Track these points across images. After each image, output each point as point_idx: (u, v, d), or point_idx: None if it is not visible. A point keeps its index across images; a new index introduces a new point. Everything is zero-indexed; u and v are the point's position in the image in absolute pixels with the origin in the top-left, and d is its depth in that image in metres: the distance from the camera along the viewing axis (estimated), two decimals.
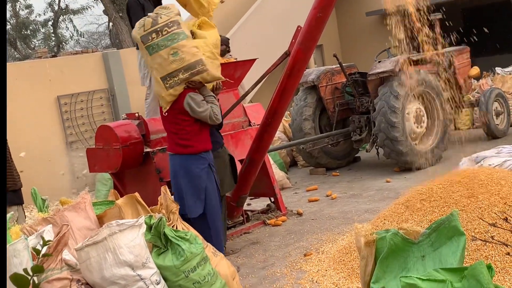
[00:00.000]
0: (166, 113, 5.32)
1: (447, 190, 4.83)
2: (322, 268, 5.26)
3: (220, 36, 9.53)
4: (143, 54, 5.36)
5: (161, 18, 5.19)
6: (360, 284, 3.29)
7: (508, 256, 3.92)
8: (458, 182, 4.86)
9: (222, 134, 6.06)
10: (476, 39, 10.20)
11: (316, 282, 4.97)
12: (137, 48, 7.04)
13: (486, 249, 4.03)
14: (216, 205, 5.51)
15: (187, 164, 5.39)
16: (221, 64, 6.89)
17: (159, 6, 5.48)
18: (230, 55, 8.89)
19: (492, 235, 3.81)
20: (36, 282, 1.61)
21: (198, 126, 5.39)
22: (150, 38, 5.16)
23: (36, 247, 1.70)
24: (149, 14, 5.38)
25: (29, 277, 1.58)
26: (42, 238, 1.74)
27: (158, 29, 5.16)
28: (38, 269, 1.62)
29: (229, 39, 9.42)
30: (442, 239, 2.97)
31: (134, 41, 5.44)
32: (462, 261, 2.95)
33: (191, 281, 4.11)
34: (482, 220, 4.02)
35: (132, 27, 7.04)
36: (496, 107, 10.49)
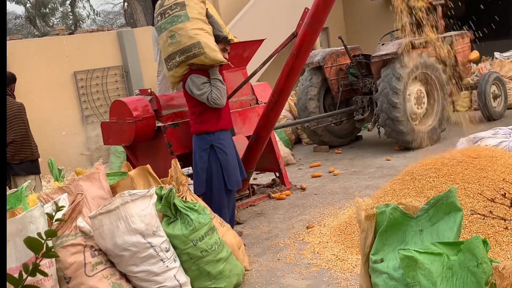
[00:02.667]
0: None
1: (446, 167, 4.80)
2: (323, 240, 5.26)
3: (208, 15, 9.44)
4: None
5: (168, 0, 5.07)
6: (360, 256, 3.28)
7: (506, 230, 3.90)
8: (457, 160, 4.82)
9: (230, 111, 6.02)
10: (477, 24, 10.07)
11: (318, 253, 4.97)
12: (153, 25, 7.01)
13: (484, 223, 4.01)
14: (218, 185, 5.36)
15: (194, 144, 5.41)
16: (231, 44, 6.85)
17: None
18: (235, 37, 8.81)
19: (491, 210, 3.79)
20: (49, 245, 1.60)
21: (201, 108, 5.27)
22: (157, 20, 5.10)
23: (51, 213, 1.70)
24: None
25: (43, 241, 1.57)
26: (56, 204, 1.73)
27: (162, 12, 5.07)
28: (51, 233, 1.61)
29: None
30: (440, 214, 2.95)
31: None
32: (458, 236, 2.94)
33: (199, 249, 4.12)
34: (481, 195, 3.99)
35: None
36: (494, 90, 10.41)
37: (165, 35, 5.02)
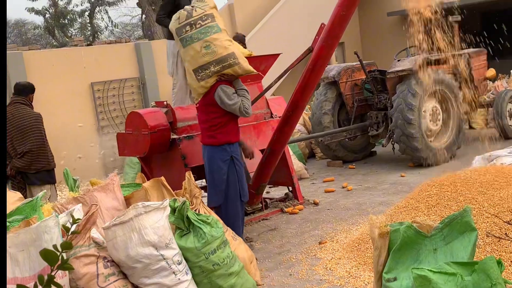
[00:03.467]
0: (197, 104, 5.25)
1: (461, 186, 4.76)
2: (335, 256, 5.23)
3: (237, 33, 9.59)
4: (178, 46, 5.28)
5: (195, 11, 5.11)
6: (373, 274, 3.26)
7: None
8: (471, 179, 4.78)
9: (245, 124, 6.05)
10: (493, 42, 10.03)
11: (330, 269, 4.94)
12: (168, 38, 7.02)
13: (500, 245, 3.96)
14: (235, 196, 5.41)
15: (211, 155, 5.35)
16: (247, 57, 6.89)
17: None
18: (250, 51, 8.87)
19: (506, 232, 3.75)
20: (65, 258, 1.61)
21: (226, 118, 5.30)
22: (184, 31, 5.08)
23: (66, 225, 1.71)
24: (185, 7, 5.32)
25: (58, 253, 1.58)
26: (72, 216, 1.74)
27: (192, 22, 5.08)
28: (67, 246, 1.62)
29: (244, 36, 9.51)
30: (454, 234, 2.93)
31: (171, 31, 5.37)
32: (473, 256, 2.91)
33: (211, 262, 4.11)
34: (497, 217, 3.96)
35: (159, 14, 7.04)
36: (510, 108, 10.33)
37: (199, 45, 5.03)
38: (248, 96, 5.31)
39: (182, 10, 5.24)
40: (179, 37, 5.11)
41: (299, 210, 7.10)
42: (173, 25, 5.21)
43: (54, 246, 1.59)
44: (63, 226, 1.66)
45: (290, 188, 7.47)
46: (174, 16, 5.26)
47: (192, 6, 5.24)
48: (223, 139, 5.31)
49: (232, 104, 5.19)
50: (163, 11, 7.03)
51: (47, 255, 1.55)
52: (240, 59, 5.18)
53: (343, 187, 8.21)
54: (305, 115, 11.09)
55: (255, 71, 5.38)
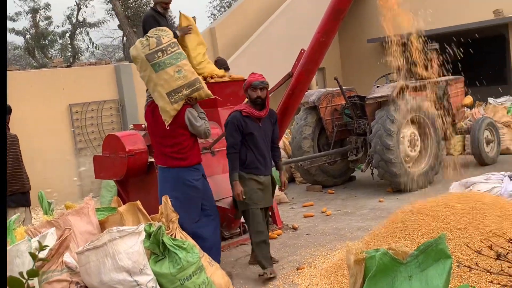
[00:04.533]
0: (168, 127, 5.29)
1: (437, 212, 4.78)
2: (313, 282, 5.21)
3: (219, 57, 9.75)
4: (145, 71, 5.35)
5: (163, 38, 5.33)
6: None
7: (491, 283, 3.87)
8: (448, 206, 4.81)
9: (223, 148, 6.06)
10: (471, 70, 10.19)
11: None
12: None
13: (470, 275, 3.98)
14: (214, 208, 5.64)
15: (184, 176, 5.38)
16: (228, 81, 6.92)
17: (155, 28, 5.59)
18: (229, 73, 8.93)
19: (476, 261, 3.77)
20: (31, 286, 1.58)
21: (193, 140, 5.49)
22: (156, 56, 5.24)
23: (34, 252, 1.68)
24: (149, 34, 5.43)
25: (24, 281, 1.55)
26: (40, 243, 1.71)
27: (163, 49, 5.28)
28: (33, 273, 1.58)
29: (226, 60, 9.72)
30: (429, 261, 2.94)
31: (132, 57, 5.47)
32: (448, 283, 2.91)
33: None
34: (468, 246, 3.98)
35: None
36: (487, 135, 10.48)
37: (172, 70, 5.25)
38: (207, 119, 5.58)
39: (148, 38, 5.37)
40: (150, 63, 5.25)
41: (278, 235, 7.08)
42: (142, 51, 5.30)
43: (20, 274, 1.56)
44: (30, 253, 1.63)
45: (269, 213, 7.44)
46: (141, 43, 5.34)
47: (156, 34, 5.39)
48: (194, 160, 5.48)
49: (199, 126, 5.40)
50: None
51: (13, 283, 1.52)
52: (203, 83, 5.48)
53: (322, 212, 8.21)
54: (285, 139, 11.12)
55: (213, 95, 5.60)
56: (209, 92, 5.53)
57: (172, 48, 5.31)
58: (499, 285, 3.55)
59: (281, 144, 10.44)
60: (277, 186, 6.23)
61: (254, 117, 5.61)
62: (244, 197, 5.53)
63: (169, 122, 5.29)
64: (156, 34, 5.37)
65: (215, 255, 5.21)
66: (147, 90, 5.63)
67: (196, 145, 5.56)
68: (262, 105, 5.63)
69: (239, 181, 5.55)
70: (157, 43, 5.27)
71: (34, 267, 1.60)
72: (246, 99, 5.78)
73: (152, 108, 5.48)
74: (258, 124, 5.64)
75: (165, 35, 5.38)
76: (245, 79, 5.83)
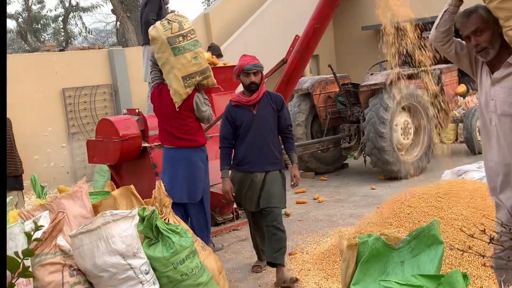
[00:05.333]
0: (178, 109, 5.42)
1: (429, 199, 4.82)
2: (305, 267, 5.24)
3: (212, 43, 9.91)
4: (164, 53, 5.38)
5: (184, 24, 5.49)
6: (341, 285, 3.27)
7: (483, 266, 3.91)
8: (440, 193, 4.85)
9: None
10: None
11: (299, 280, 4.94)
12: (143, 45, 7.34)
13: (463, 258, 4.02)
14: (208, 191, 5.72)
15: (191, 156, 5.54)
16: (221, 67, 6.94)
17: (176, 13, 5.71)
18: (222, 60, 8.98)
19: (469, 245, 3.81)
20: (26, 265, 1.58)
21: (198, 123, 5.65)
22: (177, 40, 5.39)
23: (29, 232, 1.68)
24: (170, 18, 5.50)
25: (20, 260, 1.55)
26: (35, 223, 1.72)
27: (184, 34, 5.45)
28: (28, 253, 1.59)
29: (219, 47, 9.90)
30: (422, 247, 2.96)
31: (151, 37, 5.50)
32: (439, 269, 2.94)
33: (179, 272, 4.08)
34: (462, 230, 4.01)
35: (146, 16, 7.43)
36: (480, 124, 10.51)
37: (190, 56, 5.44)
38: (210, 105, 5.73)
39: (170, 22, 5.45)
40: (171, 46, 5.38)
41: None
42: (164, 33, 5.40)
43: (16, 253, 1.56)
44: (25, 233, 1.63)
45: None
46: (163, 26, 5.44)
47: (178, 20, 5.50)
48: (201, 141, 5.63)
49: (204, 111, 5.55)
50: (152, 13, 7.65)
51: (8, 262, 1.52)
52: (211, 72, 5.67)
53: (314, 199, 8.25)
54: None
55: (217, 84, 5.79)
56: (215, 81, 5.70)
57: (191, 34, 5.49)
58: (492, 269, 3.59)
59: None
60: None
61: (244, 105, 5.12)
62: (233, 194, 5.20)
63: (180, 104, 5.39)
64: (177, 20, 5.50)
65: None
66: (151, 71, 5.75)
67: (201, 127, 5.72)
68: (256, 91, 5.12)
69: (231, 178, 5.20)
70: (179, 28, 5.42)
71: (28, 247, 1.61)
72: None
73: (159, 90, 5.59)
74: (251, 112, 5.09)
75: (185, 21, 5.53)
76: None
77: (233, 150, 5.24)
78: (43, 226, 1.91)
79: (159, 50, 5.44)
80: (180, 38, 5.41)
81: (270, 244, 4.98)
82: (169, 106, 5.45)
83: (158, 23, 5.54)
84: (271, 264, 5.04)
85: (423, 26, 7.27)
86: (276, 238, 4.94)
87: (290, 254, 5.69)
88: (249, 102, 5.11)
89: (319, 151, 9.96)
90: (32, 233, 1.67)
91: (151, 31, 5.51)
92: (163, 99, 5.53)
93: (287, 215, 7.34)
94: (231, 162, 5.25)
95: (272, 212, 5.00)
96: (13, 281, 1.60)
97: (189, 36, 5.47)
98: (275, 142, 5.16)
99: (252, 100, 5.10)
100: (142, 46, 8.42)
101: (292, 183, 5.27)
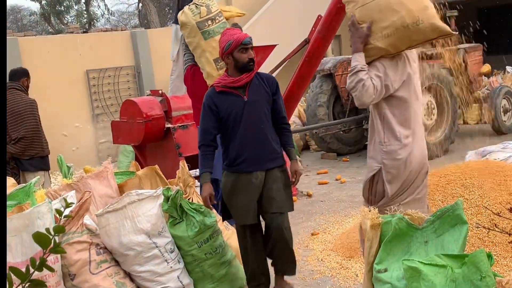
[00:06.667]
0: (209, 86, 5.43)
1: (454, 179, 4.78)
2: (327, 247, 5.26)
3: (235, 24, 9.91)
4: (194, 37, 5.43)
5: (212, 7, 5.51)
6: (363, 265, 3.27)
7: (510, 244, 3.88)
8: (465, 173, 4.80)
9: None
10: (489, 38, 10.04)
11: (321, 260, 4.97)
12: (173, 23, 7.52)
13: (487, 239, 3.99)
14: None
15: None
16: (260, 47, 7.00)
17: None
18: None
19: (496, 223, 3.78)
20: (57, 241, 1.62)
21: None
22: (206, 24, 5.42)
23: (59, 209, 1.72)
24: (197, 2, 5.53)
25: (51, 236, 1.59)
26: (65, 200, 1.75)
27: (213, 17, 5.47)
28: (59, 229, 1.62)
29: (241, 27, 9.75)
30: (446, 227, 2.94)
31: (180, 23, 5.55)
32: (463, 249, 2.92)
33: (203, 251, 4.12)
34: (487, 209, 3.98)
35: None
36: (504, 104, 10.37)
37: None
38: None
39: (198, 6, 5.49)
40: (201, 30, 5.41)
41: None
42: (193, 18, 5.45)
43: (47, 230, 1.59)
44: (56, 210, 1.66)
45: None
46: (192, 11, 5.48)
47: (205, 3, 5.52)
48: None
49: None
50: None
51: (40, 238, 1.56)
52: None
53: (336, 180, 8.23)
54: (300, 107, 11.10)
55: None
56: None
57: (219, 17, 5.51)
58: None
59: (296, 111, 10.42)
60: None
61: (233, 91, 4.08)
62: (215, 202, 4.30)
63: (211, 84, 5.46)
64: (205, 3, 5.51)
65: None
66: (185, 54, 5.80)
67: None
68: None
69: (224, 182, 4.23)
70: (207, 12, 5.44)
71: (60, 224, 1.65)
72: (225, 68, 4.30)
73: (192, 72, 5.63)
74: (241, 98, 4.06)
75: (212, 4, 5.54)
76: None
77: (216, 148, 4.21)
78: (73, 203, 1.95)
79: (189, 35, 5.48)
80: (209, 22, 5.43)
81: (281, 250, 4.18)
82: (202, 87, 5.46)
83: (186, 8, 5.55)
84: (281, 274, 4.30)
85: (447, 4, 7.14)
86: (287, 245, 4.17)
87: (312, 234, 5.72)
88: (239, 83, 4.07)
89: (341, 132, 9.93)
90: (62, 210, 1.71)
91: (180, 16, 5.54)
92: (195, 81, 5.57)
93: (309, 196, 7.35)
94: (222, 163, 4.29)
95: (280, 216, 4.10)
96: (44, 257, 1.64)
97: (217, 19, 5.49)
98: (273, 133, 4.18)
99: (243, 79, 4.07)
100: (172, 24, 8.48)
101: (293, 180, 4.24)
